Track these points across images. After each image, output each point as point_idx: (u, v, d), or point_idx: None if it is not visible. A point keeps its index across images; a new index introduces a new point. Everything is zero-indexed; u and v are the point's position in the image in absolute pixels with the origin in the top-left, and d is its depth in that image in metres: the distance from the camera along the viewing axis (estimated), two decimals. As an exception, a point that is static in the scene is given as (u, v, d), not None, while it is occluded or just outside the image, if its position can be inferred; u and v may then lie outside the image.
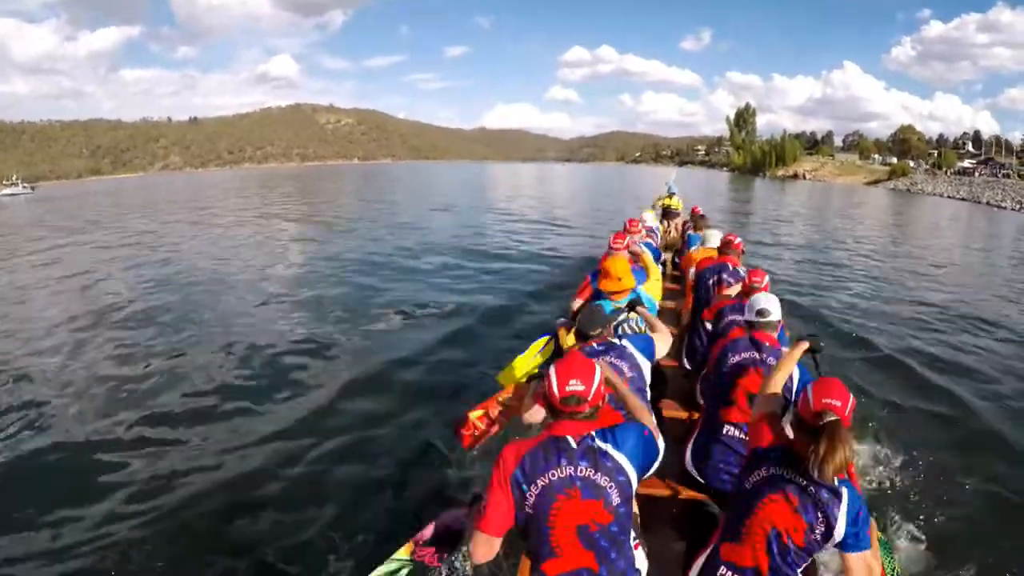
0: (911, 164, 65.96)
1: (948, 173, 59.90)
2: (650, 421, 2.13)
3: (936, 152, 77.13)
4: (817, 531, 1.79)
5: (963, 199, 43.83)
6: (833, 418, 1.77)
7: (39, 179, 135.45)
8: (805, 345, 2.41)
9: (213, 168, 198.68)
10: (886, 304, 9.55)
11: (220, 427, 5.08)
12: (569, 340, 3.22)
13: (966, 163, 66.60)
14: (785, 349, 2.65)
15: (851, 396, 1.85)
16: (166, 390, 5.89)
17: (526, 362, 3.69)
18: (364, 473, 4.23)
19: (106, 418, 5.31)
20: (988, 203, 39.59)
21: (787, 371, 2.29)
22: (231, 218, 23.49)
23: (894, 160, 70.35)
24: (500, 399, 3.05)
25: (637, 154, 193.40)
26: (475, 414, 3.01)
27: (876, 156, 79.69)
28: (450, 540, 2.34)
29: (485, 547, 1.86)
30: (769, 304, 2.89)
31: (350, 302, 9.36)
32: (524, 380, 3.28)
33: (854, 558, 1.80)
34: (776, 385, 2.21)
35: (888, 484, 4.01)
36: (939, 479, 4.06)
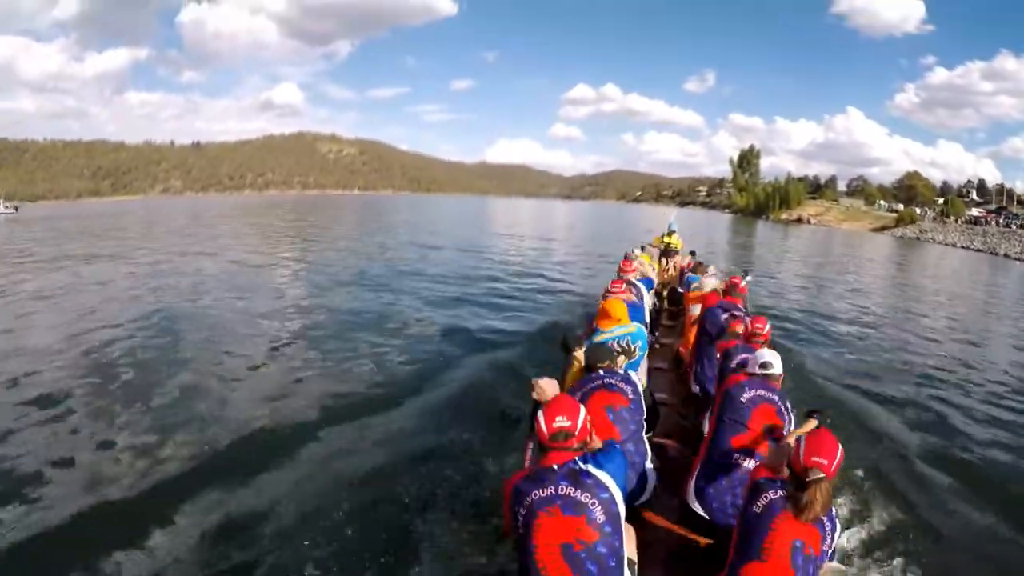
0: (918, 211, 64.80)
1: (959, 222, 58.41)
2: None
3: (942, 199, 76.57)
4: (828, 539, 1.98)
5: (978, 250, 41.99)
6: (819, 476, 1.94)
7: (39, 198, 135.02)
8: (813, 423, 2.62)
9: (213, 193, 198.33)
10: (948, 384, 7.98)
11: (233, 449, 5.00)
12: (576, 362, 3.43)
13: (975, 211, 65.21)
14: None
15: (839, 450, 2.00)
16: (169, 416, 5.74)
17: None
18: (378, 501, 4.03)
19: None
20: (1006, 255, 38.11)
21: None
22: (210, 249, 21.71)
23: (900, 207, 69.44)
24: None
25: (638, 193, 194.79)
26: None
27: (882, 202, 78.95)
28: None
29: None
30: (773, 359, 3.07)
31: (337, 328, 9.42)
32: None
33: (831, 566, 2.11)
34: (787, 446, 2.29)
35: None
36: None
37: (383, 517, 3.83)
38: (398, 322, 9.85)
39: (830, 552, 2.03)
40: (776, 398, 2.91)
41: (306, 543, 3.58)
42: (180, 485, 4.37)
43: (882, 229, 60.33)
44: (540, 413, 2.07)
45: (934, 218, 62.42)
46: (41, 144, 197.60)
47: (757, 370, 3.04)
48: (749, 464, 2.71)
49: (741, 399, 2.89)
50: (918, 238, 51.95)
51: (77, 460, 4.82)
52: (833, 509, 2.01)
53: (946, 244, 46.74)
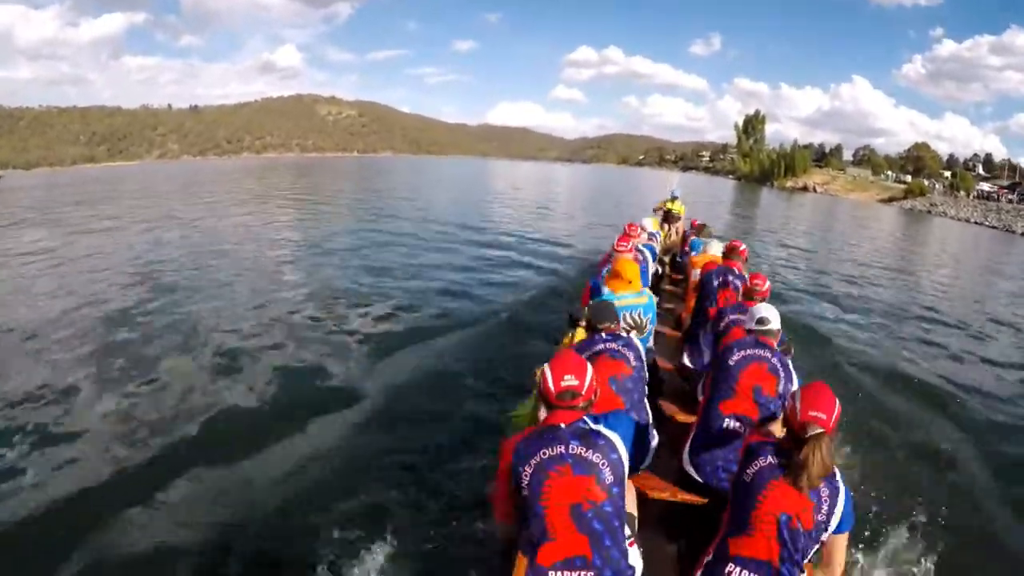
0: (927, 183, 62.73)
1: (971, 196, 56.37)
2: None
3: (949, 172, 74.64)
4: (823, 508, 1.85)
5: (993, 227, 39.91)
6: (818, 431, 1.85)
7: (33, 166, 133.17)
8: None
9: (211, 156, 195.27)
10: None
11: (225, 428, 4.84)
12: (580, 334, 3.36)
13: (986, 186, 63.00)
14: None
15: (837, 403, 1.92)
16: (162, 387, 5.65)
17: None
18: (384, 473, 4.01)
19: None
20: (1023, 234, 36.30)
21: None
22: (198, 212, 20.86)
23: (908, 178, 67.47)
24: None
25: (641, 157, 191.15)
26: None
27: (889, 173, 76.82)
28: None
29: (505, 531, 2.14)
30: (769, 313, 2.95)
31: (337, 295, 9.19)
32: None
33: (842, 538, 1.92)
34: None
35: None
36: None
37: (389, 483, 3.85)
38: (394, 289, 9.62)
39: (833, 523, 1.88)
40: (768, 355, 2.81)
41: (308, 515, 3.53)
42: (163, 464, 4.28)
43: (890, 200, 58.43)
44: (546, 368, 1.99)
45: (943, 191, 60.49)
46: (36, 111, 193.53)
47: (753, 326, 2.94)
48: (740, 427, 2.69)
49: (729, 362, 2.83)
50: (929, 211, 49.84)
51: (57, 436, 4.70)
52: (837, 474, 1.88)
53: (958, 219, 44.56)
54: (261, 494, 3.84)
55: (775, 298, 4.47)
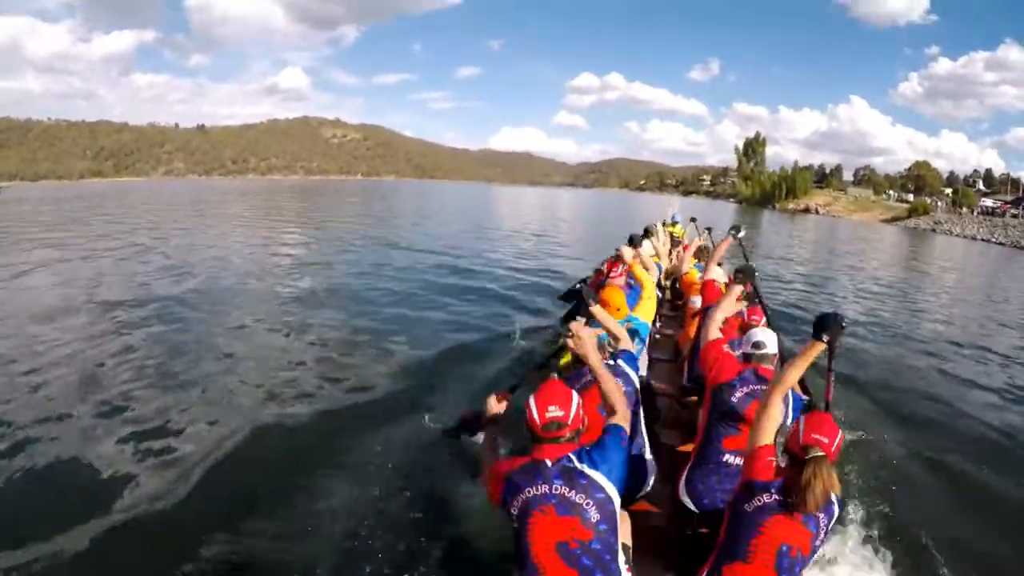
0: (930, 201, 63.20)
1: (975, 213, 56.60)
2: (623, 409, 2.19)
3: (950, 189, 75.28)
4: (821, 535, 1.93)
5: (1000, 243, 39.81)
6: (819, 453, 1.87)
7: (40, 178, 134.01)
8: (821, 346, 2.07)
9: (216, 176, 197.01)
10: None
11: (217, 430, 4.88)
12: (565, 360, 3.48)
13: (988, 202, 63.62)
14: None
15: (840, 432, 1.95)
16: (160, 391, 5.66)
17: None
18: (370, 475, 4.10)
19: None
20: (1033, 251, 35.94)
21: (799, 371, 2.13)
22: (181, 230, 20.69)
23: (910, 197, 68.12)
24: None
25: (642, 182, 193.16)
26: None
27: (890, 192, 77.62)
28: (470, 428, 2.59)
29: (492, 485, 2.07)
30: (765, 337, 2.95)
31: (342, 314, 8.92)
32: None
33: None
34: (786, 387, 2.14)
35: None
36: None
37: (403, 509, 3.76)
38: (393, 313, 9.19)
39: (821, 543, 1.99)
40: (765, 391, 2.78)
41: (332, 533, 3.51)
42: (185, 476, 4.18)
43: (893, 220, 58.95)
44: (531, 400, 1.99)
45: (947, 209, 60.85)
46: (45, 124, 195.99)
47: (751, 350, 2.93)
48: (740, 464, 2.63)
49: (732, 399, 2.78)
50: (933, 230, 50.00)
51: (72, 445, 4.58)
52: (833, 499, 1.92)
53: (964, 237, 44.62)
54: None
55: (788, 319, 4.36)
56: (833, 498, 1.91)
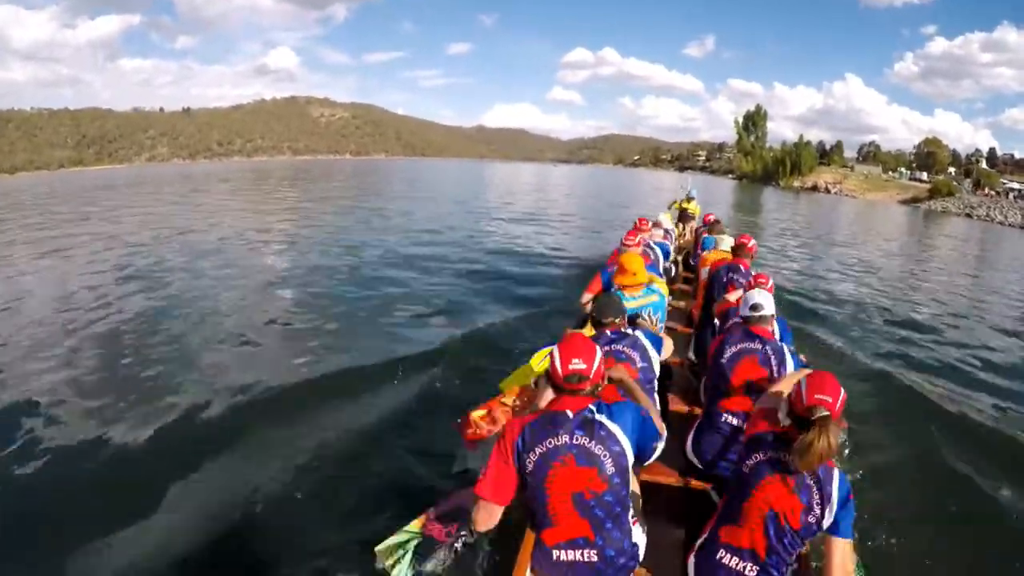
0: (954, 182, 58.61)
1: (1011, 197, 52.16)
2: (653, 410, 2.21)
3: (956, 169, 72.18)
4: (813, 512, 1.87)
5: None
6: (824, 413, 1.86)
7: (17, 170, 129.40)
8: (805, 371, 2.26)
9: (202, 160, 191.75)
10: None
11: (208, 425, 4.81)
12: (586, 331, 3.27)
13: (1015, 184, 59.68)
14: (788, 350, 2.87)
15: (842, 391, 1.92)
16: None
17: (530, 369, 3.41)
18: (364, 470, 4.07)
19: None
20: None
21: (789, 385, 2.19)
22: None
23: (923, 176, 64.47)
24: (506, 401, 3.07)
25: (636, 157, 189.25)
26: (477, 414, 3.01)
27: (903, 170, 74.01)
28: (460, 517, 2.44)
29: (484, 513, 1.98)
30: (762, 299, 2.99)
31: (343, 296, 9.15)
32: (532, 384, 3.21)
33: (840, 542, 1.87)
34: (778, 393, 2.21)
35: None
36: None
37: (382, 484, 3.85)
38: (389, 293, 9.38)
39: (825, 524, 1.87)
40: (756, 345, 2.86)
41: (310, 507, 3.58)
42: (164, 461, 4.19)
43: (913, 201, 54.88)
44: (555, 351, 1.99)
45: (971, 190, 56.74)
46: (27, 114, 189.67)
47: (748, 312, 2.98)
48: (738, 422, 2.75)
49: (722, 359, 2.89)
50: (968, 215, 45.31)
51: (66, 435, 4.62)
52: (835, 477, 1.87)
53: (1005, 224, 40.14)
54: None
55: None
56: (834, 482, 1.86)
